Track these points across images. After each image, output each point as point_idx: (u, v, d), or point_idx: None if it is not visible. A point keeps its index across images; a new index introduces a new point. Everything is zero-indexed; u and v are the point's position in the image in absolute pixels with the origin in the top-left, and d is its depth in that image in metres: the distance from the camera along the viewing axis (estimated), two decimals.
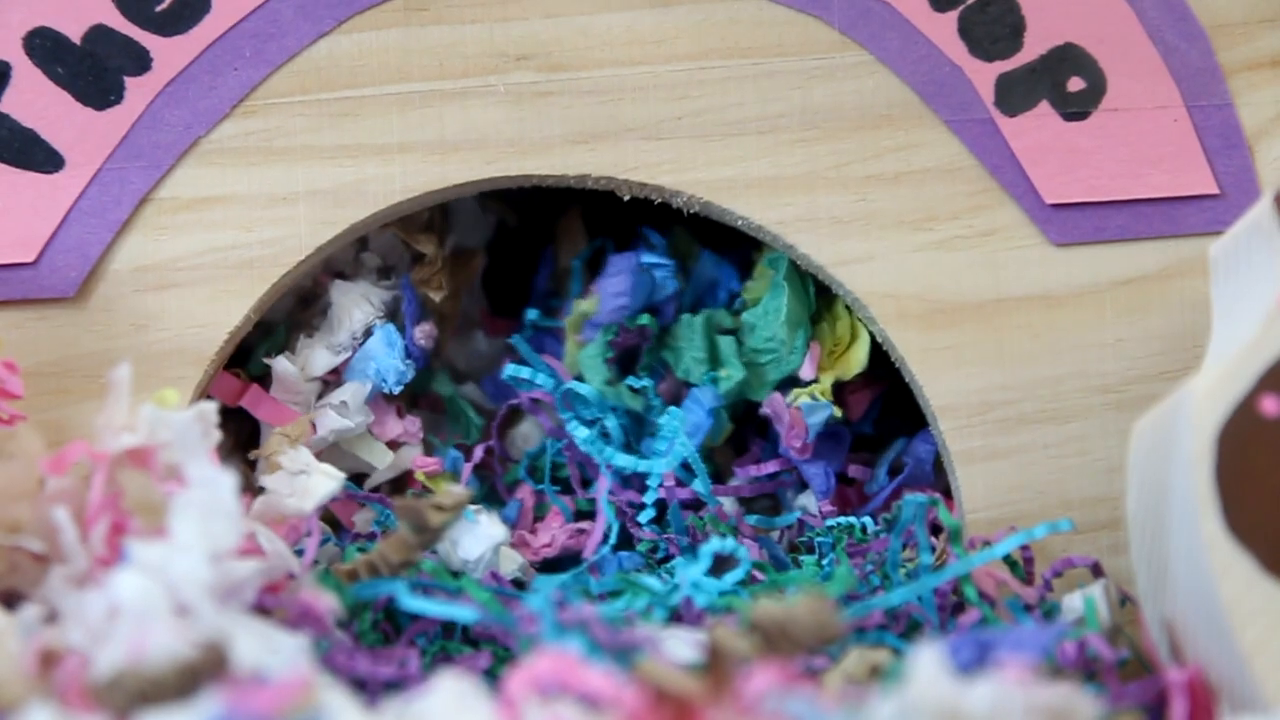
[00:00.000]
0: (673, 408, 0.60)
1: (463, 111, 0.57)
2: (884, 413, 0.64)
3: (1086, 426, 0.57)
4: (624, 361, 0.62)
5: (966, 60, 0.57)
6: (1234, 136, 0.57)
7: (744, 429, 0.63)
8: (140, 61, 0.56)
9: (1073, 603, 0.54)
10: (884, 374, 0.61)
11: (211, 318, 0.57)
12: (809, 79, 0.57)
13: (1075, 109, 0.57)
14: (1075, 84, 0.57)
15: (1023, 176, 0.57)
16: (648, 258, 0.61)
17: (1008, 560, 0.55)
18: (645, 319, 0.60)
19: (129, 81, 0.56)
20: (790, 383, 0.61)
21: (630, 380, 0.61)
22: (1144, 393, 0.56)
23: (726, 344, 0.61)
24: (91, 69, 0.56)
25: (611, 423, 0.60)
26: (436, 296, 0.61)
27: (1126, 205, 0.57)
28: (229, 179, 0.57)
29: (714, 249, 0.63)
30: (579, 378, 0.61)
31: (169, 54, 0.56)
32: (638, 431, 0.61)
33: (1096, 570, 0.55)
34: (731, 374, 0.60)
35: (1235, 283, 0.51)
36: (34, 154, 0.56)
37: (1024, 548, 0.55)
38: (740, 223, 0.57)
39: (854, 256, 0.57)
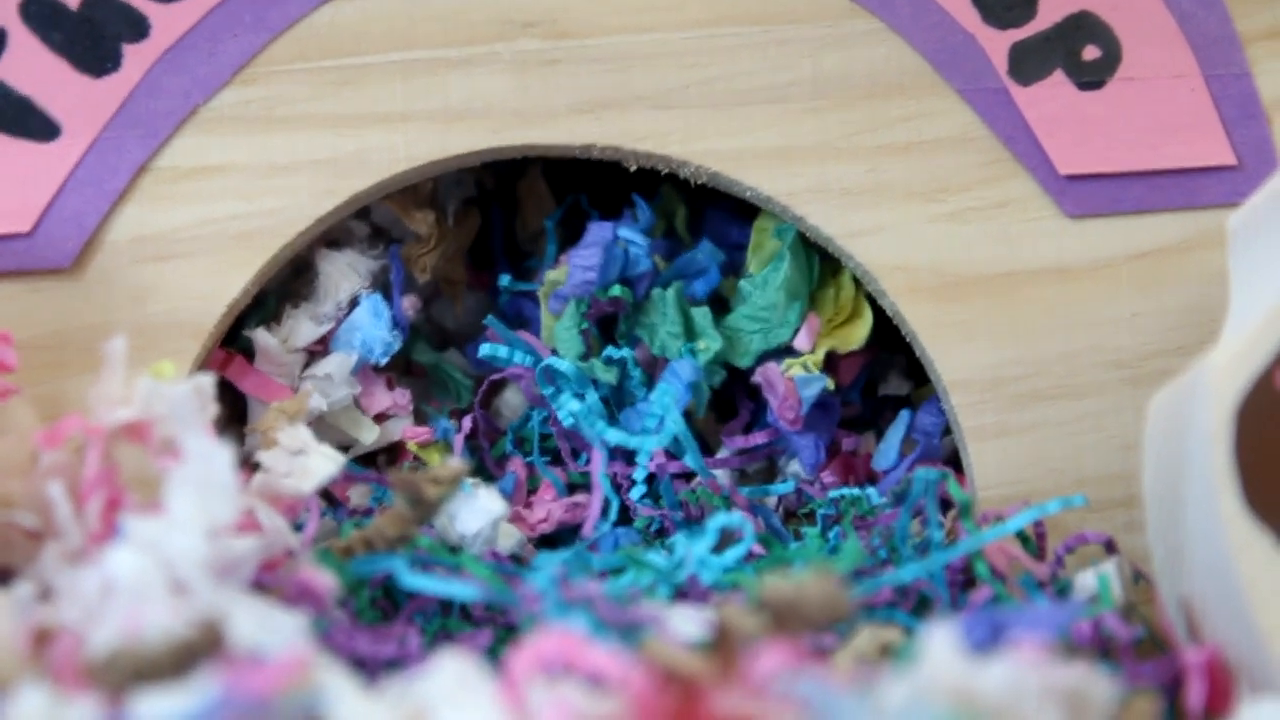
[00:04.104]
0: (662, 384, 0.59)
1: (467, 80, 0.56)
2: (871, 379, 0.63)
3: (1101, 402, 0.56)
4: (605, 326, 0.61)
5: (979, 28, 0.56)
6: (1252, 106, 0.56)
7: (726, 391, 0.62)
8: (138, 28, 0.55)
9: (1085, 580, 0.53)
10: (875, 341, 0.60)
11: (211, 289, 0.56)
12: (820, 47, 0.56)
13: (1090, 78, 0.56)
14: (1090, 52, 0.56)
15: (1037, 147, 0.56)
16: (625, 232, 0.60)
17: (1020, 536, 0.54)
18: (618, 290, 0.59)
19: (127, 48, 0.55)
20: (781, 351, 0.60)
21: (610, 350, 0.60)
22: (1160, 368, 0.56)
23: (701, 314, 0.60)
24: (89, 35, 0.55)
25: (592, 397, 0.59)
26: (421, 278, 0.61)
27: (1142, 176, 0.56)
28: (229, 148, 0.56)
29: (715, 207, 0.62)
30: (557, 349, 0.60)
31: (168, 20, 0.55)
32: (618, 399, 0.60)
33: (1110, 547, 0.54)
34: (710, 345, 0.59)
35: (1254, 255, 0.50)
36: (30, 122, 0.55)
37: (1037, 524, 0.55)
38: (749, 194, 0.57)
39: (864, 228, 0.56)
